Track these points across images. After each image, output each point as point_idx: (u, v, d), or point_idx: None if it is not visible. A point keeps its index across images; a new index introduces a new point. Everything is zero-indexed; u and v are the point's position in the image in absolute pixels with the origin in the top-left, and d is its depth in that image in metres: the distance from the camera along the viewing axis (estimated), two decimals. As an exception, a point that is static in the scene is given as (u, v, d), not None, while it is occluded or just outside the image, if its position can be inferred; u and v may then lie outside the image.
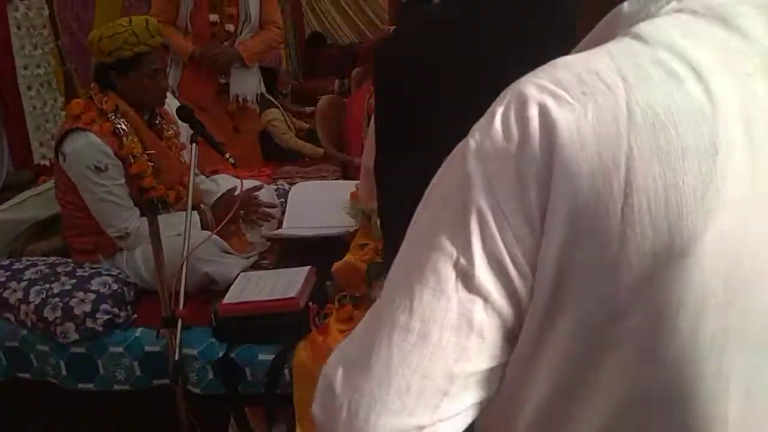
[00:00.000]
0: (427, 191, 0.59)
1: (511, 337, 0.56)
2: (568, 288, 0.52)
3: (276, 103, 5.24)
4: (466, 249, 0.53)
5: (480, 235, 0.52)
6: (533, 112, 0.51)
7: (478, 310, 0.53)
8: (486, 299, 0.53)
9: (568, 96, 0.51)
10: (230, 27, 3.59)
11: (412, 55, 1.21)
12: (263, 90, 4.01)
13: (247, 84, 3.76)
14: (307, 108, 6.15)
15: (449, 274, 0.54)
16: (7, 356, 2.17)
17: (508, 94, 0.54)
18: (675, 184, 0.50)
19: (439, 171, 0.58)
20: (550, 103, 0.51)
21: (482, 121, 0.55)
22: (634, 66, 0.52)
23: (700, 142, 0.50)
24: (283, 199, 2.83)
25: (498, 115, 0.53)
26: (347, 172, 3.40)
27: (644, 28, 0.54)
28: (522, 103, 0.52)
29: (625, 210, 0.50)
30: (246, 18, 3.60)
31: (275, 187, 3.02)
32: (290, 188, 2.89)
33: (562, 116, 0.50)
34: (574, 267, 0.51)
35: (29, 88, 4.40)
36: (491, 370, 0.57)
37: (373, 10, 8.19)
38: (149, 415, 2.28)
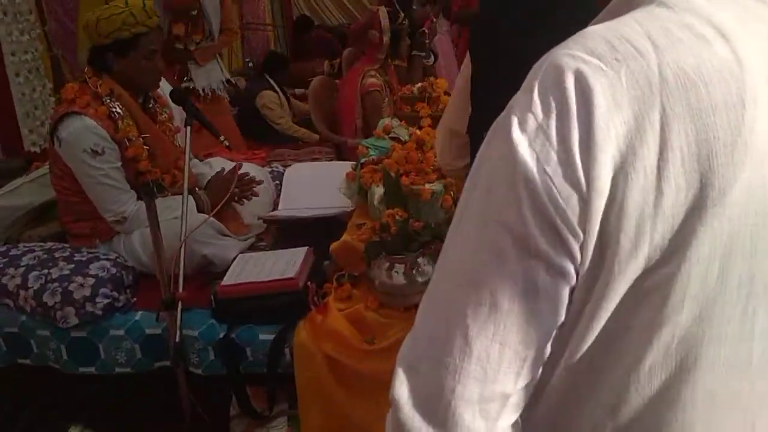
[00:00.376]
0: (474, 167, 0.61)
1: None
2: (611, 243, 0.55)
3: (274, 85, 5.22)
4: (519, 218, 0.55)
5: (530, 203, 0.55)
6: (569, 82, 0.54)
7: (542, 273, 0.57)
8: (547, 262, 0.56)
9: (602, 63, 0.54)
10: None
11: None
12: (227, 76, 4.14)
13: (211, 75, 3.93)
14: (296, 90, 6.14)
15: (508, 244, 0.56)
16: (7, 342, 2.17)
17: (543, 66, 0.56)
18: (706, 139, 0.53)
19: (483, 147, 0.61)
20: (585, 70, 0.54)
21: (520, 95, 0.57)
22: (662, 30, 0.55)
23: (729, 98, 0.53)
24: (278, 181, 2.84)
25: (535, 88, 0.56)
26: (341, 153, 3.40)
27: None
28: (558, 74, 0.55)
29: (661, 165, 0.53)
30: (209, 35, 3.89)
31: (269, 169, 3.02)
32: (284, 170, 2.90)
33: (597, 82, 0.53)
34: (616, 223, 0.55)
35: (17, 75, 4.34)
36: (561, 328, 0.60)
37: (361, -9, 8.17)
38: (151, 398, 2.30)
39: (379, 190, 2.15)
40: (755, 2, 0.58)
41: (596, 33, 0.56)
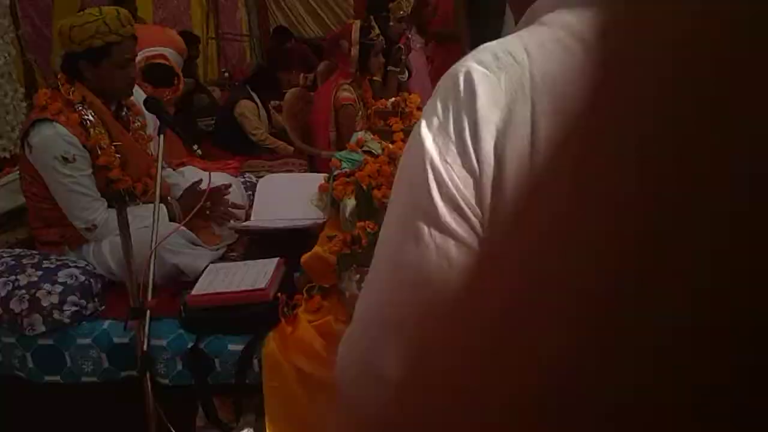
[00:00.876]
0: (399, 165, 0.72)
1: None
2: (498, 217, 0.65)
3: (254, 96, 5.22)
4: (431, 202, 0.65)
5: (437, 186, 0.65)
6: (461, 85, 0.66)
7: (452, 248, 0.65)
8: (455, 238, 0.65)
9: (487, 70, 0.66)
10: None
11: None
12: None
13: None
14: (271, 102, 6.14)
15: (422, 224, 0.66)
16: (-28, 350, 2.14)
17: (445, 76, 0.68)
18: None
19: (405, 147, 0.72)
20: (473, 76, 0.66)
21: (429, 101, 0.70)
22: (537, 44, 0.67)
23: None
24: (250, 192, 2.84)
25: (438, 93, 0.68)
26: (314, 165, 3.42)
27: (547, 16, 0.70)
28: (453, 81, 0.67)
29: (533, 157, 0.63)
30: None
31: (242, 179, 3.03)
32: (257, 180, 2.91)
33: (480, 84, 0.65)
34: (500, 200, 0.64)
35: (-12, 79, 4.30)
36: None
37: (338, 4, 8.20)
38: (117, 408, 2.28)
39: (351, 203, 2.17)
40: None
41: (487, 47, 0.70)
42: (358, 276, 1.92)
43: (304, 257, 2.15)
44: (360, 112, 3.26)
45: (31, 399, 2.21)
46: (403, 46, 3.62)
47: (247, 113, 5.03)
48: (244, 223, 2.56)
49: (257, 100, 5.17)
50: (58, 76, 2.26)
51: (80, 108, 2.21)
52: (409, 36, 3.91)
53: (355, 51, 3.20)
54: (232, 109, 5.08)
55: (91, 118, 2.22)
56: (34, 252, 2.31)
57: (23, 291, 2.06)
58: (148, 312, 1.89)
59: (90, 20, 2.16)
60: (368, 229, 1.99)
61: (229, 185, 2.53)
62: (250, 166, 4.70)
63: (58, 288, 2.07)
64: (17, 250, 2.32)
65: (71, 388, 2.15)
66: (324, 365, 1.91)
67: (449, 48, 4.41)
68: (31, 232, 2.42)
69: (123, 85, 2.29)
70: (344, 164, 2.39)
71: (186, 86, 5.94)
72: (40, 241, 2.37)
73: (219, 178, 2.62)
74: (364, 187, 2.08)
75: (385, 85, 3.63)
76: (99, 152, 2.23)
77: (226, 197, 2.49)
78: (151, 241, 1.93)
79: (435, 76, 4.82)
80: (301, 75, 6.70)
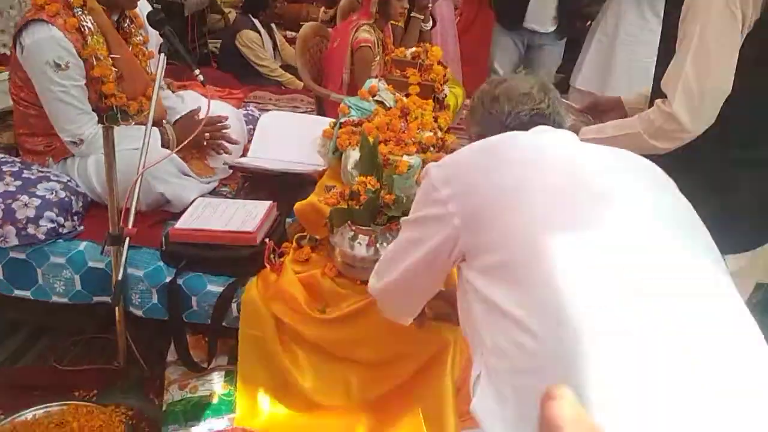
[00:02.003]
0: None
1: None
2: None
3: (257, 24, 5.02)
4: (426, 228, 1.20)
5: (423, 220, 1.21)
6: (427, 170, 1.20)
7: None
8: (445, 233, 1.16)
9: (441, 164, 1.20)
10: None
11: None
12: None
13: None
14: (288, 32, 5.93)
15: (428, 222, 1.20)
16: (-59, 253, 2.05)
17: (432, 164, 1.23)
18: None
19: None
20: (435, 167, 1.19)
21: (430, 165, 1.22)
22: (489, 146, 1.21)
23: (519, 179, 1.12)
24: (251, 126, 2.71)
25: (423, 178, 1.22)
26: (322, 107, 3.27)
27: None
28: (426, 170, 1.21)
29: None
30: None
31: (245, 111, 2.89)
32: (260, 115, 2.76)
33: (435, 171, 1.18)
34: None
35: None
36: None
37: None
38: (86, 330, 2.21)
39: (354, 154, 2.05)
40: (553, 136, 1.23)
41: (456, 152, 1.24)
42: (351, 233, 1.81)
43: (298, 205, 2.04)
44: (378, 57, 3.09)
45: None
46: (430, -7, 3.42)
47: (249, 43, 4.85)
48: (240, 159, 2.43)
49: (260, 29, 4.98)
50: (61, -24, 2.09)
51: (80, 12, 2.06)
52: (439, -17, 3.71)
53: (377, -10, 3.01)
54: (233, 37, 4.91)
55: (90, 25, 2.07)
56: (15, 159, 2.20)
57: (-1, 200, 1.95)
58: (128, 239, 1.79)
59: None
60: (369, 186, 1.87)
61: (226, 117, 2.39)
62: (257, 97, 4.55)
63: (36, 201, 1.97)
64: (-2, 155, 2.20)
65: (40, 304, 2.06)
66: (304, 319, 1.82)
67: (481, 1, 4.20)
68: (16, 138, 2.28)
69: (128, -7, 2.13)
70: (353, 112, 2.25)
71: (201, 3, 5.73)
72: (23, 149, 2.24)
73: (219, 108, 2.48)
74: (371, 139, 1.95)
75: (407, 32, 3.44)
76: (95, 63, 2.08)
77: (224, 129, 2.36)
78: (138, 164, 1.80)
79: (462, 28, 4.61)
80: (322, 8, 6.47)
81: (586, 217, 1.01)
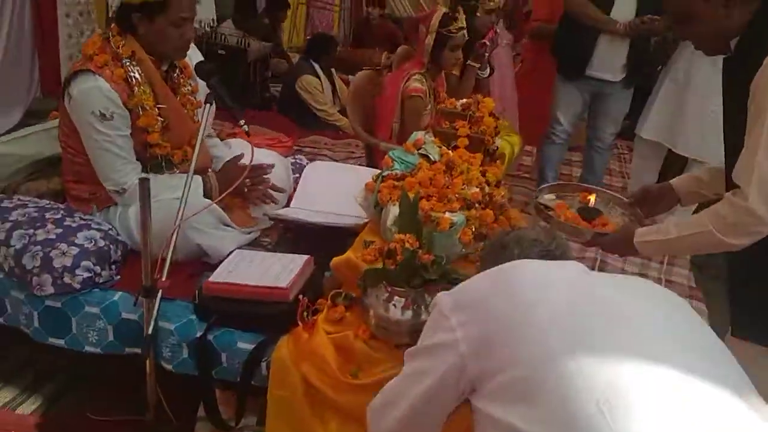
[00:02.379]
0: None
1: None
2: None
3: (318, 69, 5.08)
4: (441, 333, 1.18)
5: (431, 349, 1.19)
6: (437, 300, 1.22)
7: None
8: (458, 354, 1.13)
9: (451, 292, 1.22)
10: None
11: None
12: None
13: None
14: (349, 76, 5.98)
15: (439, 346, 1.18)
16: (-17, 295, 2.07)
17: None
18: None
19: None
20: (445, 295, 1.21)
21: (440, 293, 1.24)
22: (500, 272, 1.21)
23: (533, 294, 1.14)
24: (297, 174, 2.68)
25: (433, 306, 1.23)
26: (372, 156, 3.22)
27: None
28: (436, 299, 1.22)
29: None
30: None
31: (292, 159, 2.86)
32: (308, 164, 2.73)
33: (444, 299, 1.20)
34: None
35: (67, 16, 4.29)
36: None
37: (436, -14, 7.92)
38: (119, 381, 2.18)
39: (394, 210, 1.97)
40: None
41: (467, 282, 1.25)
42: (386, 294, 1.73)
43: (336, 259, 1.97)
44: (429, 107, 3.03)
45: (36, 352, 2.13)
46: (488, 42, 3.34)
47: (308, 88, 4.90)
48: (281, 211, 2.39)
49: (320, 74, 5.02)
50: (111, 27, 2.13)
51: (127, 63, 2.08)
52: (497, 31, 3.62)
53: (429, 40, 2.95)
54: (294, 81, 4.97)
55: (137, 75, 2.09)
56: (59, 206, 2.22)
57: (38, 247, 1.96)
58: (160, 292, 1.75)
59: None
60: (407, 244, 1.78)
61: (272, 165, 2.36)
62: (313, 141, 4.56)
63: (74, 250, 1.97)
64: (44, 202, 2.23)
65: (74, 353, 2.05)
66: (335, 382, 1.73)
67: (543, 47, 4.04)
68: (63, 184, 2.31)
69: (176, 46, 2.14)
70: (396, 165, 2.18)
71: (263, 49, 5.85)
72: (69, 195, 2.27)
73: (264, 156, 2.46)
74: (411, 195, 1.88)
75: (462, 80, 3.37)
76: (140, 113, 2.09)
77: (266, 177, 2.33)
78: (177, 216, 1.77)
79: (523, 74, 4.48)
80: (384, 54, 6.51)
81: (598, 332, 1.04)
